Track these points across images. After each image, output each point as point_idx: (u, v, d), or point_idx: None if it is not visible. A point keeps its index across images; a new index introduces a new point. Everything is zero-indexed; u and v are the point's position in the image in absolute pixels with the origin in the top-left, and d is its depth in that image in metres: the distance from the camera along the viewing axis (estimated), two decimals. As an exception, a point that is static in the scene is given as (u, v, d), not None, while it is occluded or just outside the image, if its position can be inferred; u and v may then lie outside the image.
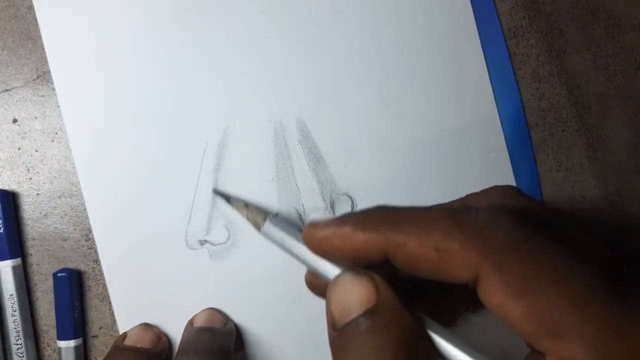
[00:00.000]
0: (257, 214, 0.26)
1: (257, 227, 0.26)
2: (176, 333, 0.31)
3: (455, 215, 0.19)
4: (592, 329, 0.16)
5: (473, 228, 0.18)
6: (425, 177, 0.33)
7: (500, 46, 0.34)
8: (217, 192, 0.31)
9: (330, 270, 0.22)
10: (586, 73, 0.35)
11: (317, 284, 0.24)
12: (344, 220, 0.21)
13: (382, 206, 0.21)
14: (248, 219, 0.27)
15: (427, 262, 0.19)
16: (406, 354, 0.18)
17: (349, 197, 0.33)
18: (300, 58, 0.33)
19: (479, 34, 0.34)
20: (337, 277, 0.21)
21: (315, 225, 0.21)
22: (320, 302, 0.32)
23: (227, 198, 0.30)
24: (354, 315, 0.19)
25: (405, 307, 0.19)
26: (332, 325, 0.20)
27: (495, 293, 0.18)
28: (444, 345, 0.19)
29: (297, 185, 0.33)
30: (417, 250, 0.19)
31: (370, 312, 0.19)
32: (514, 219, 0.19)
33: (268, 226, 0.25)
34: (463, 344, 0.19)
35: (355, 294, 0.19)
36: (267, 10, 0.33)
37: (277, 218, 0.25)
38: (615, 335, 0.16)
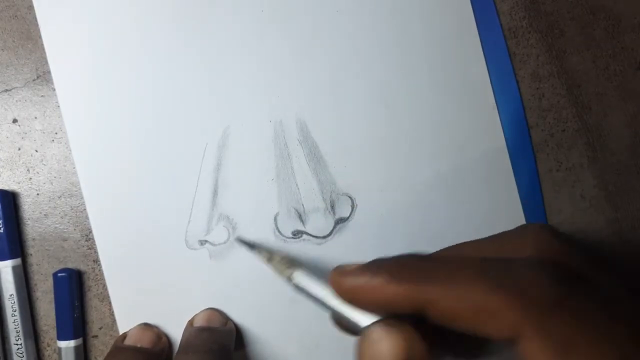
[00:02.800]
0: (283, 265, 0.26)
1: (286, 277, 0.26)
2: (176, 333, 0.31)
3: (494, 271, 0.19)
4: None
5: (514, 287, 0.18)
6: (425, 178, 0.33)
7: (500, 46, 0.34)
8: (241, 241, 0.31)
9: (361, 318, 0.21)
10: (586, 73, 0.35)
11: (346, 324, 0.23)
12: (375, 269, 0.20)
13: (414, 255, 0.21)
14: (275, 270, 0.27)
15: (464, 319, 0.18)
16: None
17: (349, 197, 0.33)
18: (301, 58, 0.33)
19: (479, 34, 0.34)
20: (368, 328, 0.20)
21: (343, 272, 0.21)
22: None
23: (251, 247, 0.31)
24: None
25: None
26: None
27: (536, 354, 0.17)
28: None
29: (297, 185, 0.33)
30: (454, 307, 0.18)
31: None
32: (553, 275, 0.18)
33: (299, 278, 0.25)
34: None
35: (386, 348, 0.19)
36: (267, 10, 0.33)
37: (304, 268, 0.25)
38: None
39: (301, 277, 0.25)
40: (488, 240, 0.23)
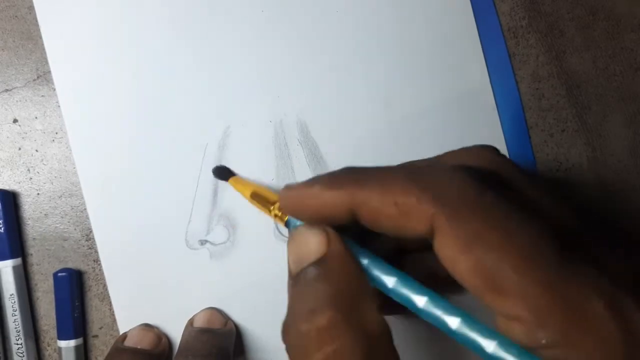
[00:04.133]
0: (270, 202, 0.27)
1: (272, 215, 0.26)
2: (176, 333, 0.31)
3: (414, 172, 0.20)
4: (534, 290, 0.17)
5: (428, 183, 0.19)
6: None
7: (500, 46, 0.34)
8: (218, 169, 0.31)
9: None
10: (586, 73, 0.35)
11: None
12: (313, 181, 0.22)
13: (349, 167, 0.22)
14: (258, 206, 0.27)
15: (388, 217, 0.19)
16: (346, 303, 0.19)
17: (349, 197, 0.33)
18: (301, 58, 0.33)
19: (479, 34, 0.34)
20: (294, 229, 0.22)
21: (289, 187, 0.23)
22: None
23: (227, 176, 0.31)
24: (304, 264, 0.20)
25: (354, 257, 0.20)
26: (289, 274, 0.21)
27: (446, 246, 0.18)
28: (387, 283, 0.20)
29: (297, 185, 0.33)
30: (379, 206, 0.19)
31: (318, 262, 0.20)
32: (470, 177, 0.19)
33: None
34: (411, 282, 0.20)
35: (308, 244, 0.20)
36: (267, 10, 0.33)
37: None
38: (555, 298, 0.16)
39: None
40: (432, 157, 0.24)
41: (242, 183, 0.30)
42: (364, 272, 0.20)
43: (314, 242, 0.20)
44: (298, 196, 0.22)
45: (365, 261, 0.21)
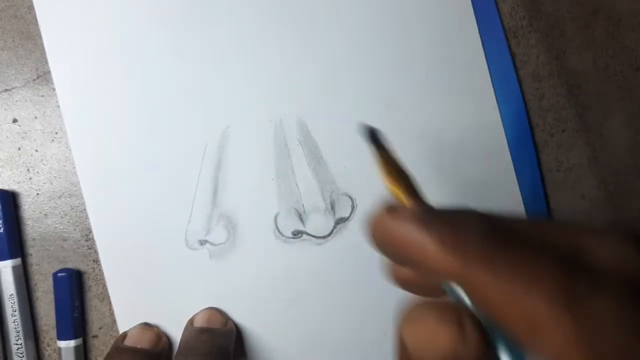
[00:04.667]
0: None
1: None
2: (176, 333, 0.31)
3: (571, 283, 0.14)
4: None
5: (590, 319, 0.14)
6: (426, 178, 0.33)
7: (502, 46, 0.34)
8: (367, 131, 0.24)
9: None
10: (586, 73, 0.35)
11: (404, 277, 0.19)
12: (430, 222, 0.16)
13: (490, 219, 0.16)
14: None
15: (507, 321, 0.15)
16: None
17: (349, 197, 0.33)
18: (300, 57, 0.33)
19: (480, 34, 0.34)
20: (417, 309, 0.16)
21: (396, 213, 0.17)
22: (320, 302, 0.32)
23: (377, 143, 0.24)
24: (429, 356, 0.15)
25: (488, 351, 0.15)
26: (402, 353, 0.16)
27: None
28: None
29: (297, 185, 0.33)
30: (503, 309, 0.14)
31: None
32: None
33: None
34: None
35: (435, 336, 0.15)
36: (267, 10, 0.33)
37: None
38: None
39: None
40: (568, 227, 0.17)
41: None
42: None
43: (444, 337, 0.15)
44: (403, 239, 0.16)
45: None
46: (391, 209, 0.17)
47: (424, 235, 0.16)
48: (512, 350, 0.15)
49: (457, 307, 0.16)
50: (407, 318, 0.16)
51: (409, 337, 0.16)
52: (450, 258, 0.15)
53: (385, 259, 0.19)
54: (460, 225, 0.16)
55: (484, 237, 0.15)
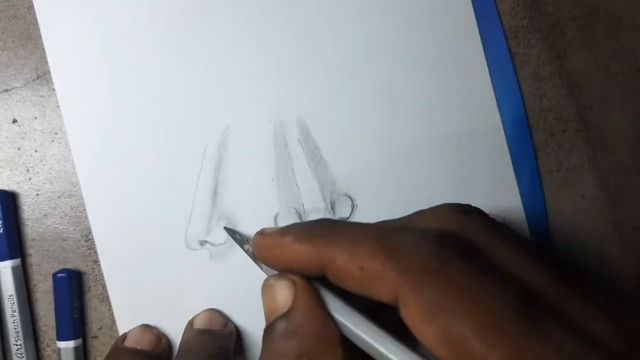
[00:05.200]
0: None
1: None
2: (176, 333, 0.31)
3: (384, 235, 0.20)
4: (500, 353, 0.16)
5: (394, 250, 0.19)
6: (426, 178, 0.33)
7: (502, 46, 0.34)
8: (229, 230, 0.31)
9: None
10: (587, 73, 0.35)
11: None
12: (286, 230, 0.22)
13: (325, 220, 0.22)
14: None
15: (353, 279, 0.19)
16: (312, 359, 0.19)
17: (349, 197, 0.33)
18: (301, 57, 0.33)
19: (480, 34, 0.34)
20: (265, 280, 0.22)
21: (262, 233, 0.23)
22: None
23: (239, 240, 0.29)
24: (274, 317, 0.21)
25: (323, 309, 0.20)
26: (266, 321, 0.21)
27: (411, 315, 0.18)
28: (364, 340, 0.19)
29: (297, 185, 0.32)
30: (345, 267, 0.19)
31: (285, 315, 0.20)
32: (435, 244, 0.19)
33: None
34: (380, 334, 0.19)
35: (276, 296, 0.21)
36: (267, 10, 0.33)
37: None
38: (522, 358, 0.16)
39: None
40: (403, 217, 0.23)
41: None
42: (334, 324, 0.20)
43: (281, 295, 0.21)
44: (269, 245, 0.22)
45: (337, 314, 0.20)
46: (261, 233, 0.23)
47: (286, 238, 0.21)
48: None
49: (291, 276, 0.21)
50: (261, 290, 0.22)
51: (263, 303, 0.22)
52: (303, 246, 0.21)
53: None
54: (307, 225, 0.22)
55: (326, 227, 0.21)
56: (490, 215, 0.23)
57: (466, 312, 0.17)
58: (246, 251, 0.27)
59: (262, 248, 0.23)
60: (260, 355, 0.21)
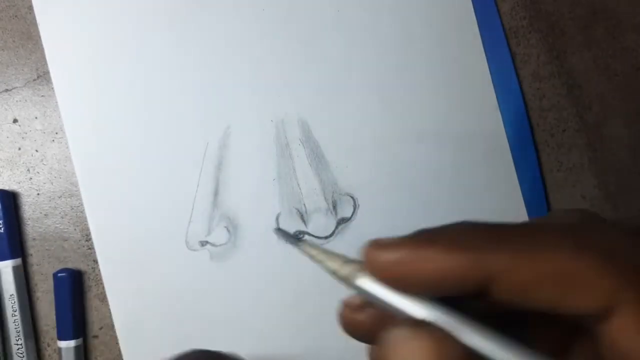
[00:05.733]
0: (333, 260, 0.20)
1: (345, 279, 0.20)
2: (176, 333, 0.31)
3: (573, 230, 0.16)
4: None
5: (609, 250, 0.15)
6: (427, 178, 0.33)
7: (502, 46, 0.34)
8: (282, 233, 0.26)
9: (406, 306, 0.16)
10: (587, 73, 0.35)
11: (358, 323, 0.19)
12: (425, 239, 0.16)
13: (467, 222, 0.16)
14: (330, 271, 0.21)
15: (543, 290, 0.15)
16: None
17: (351, 197, 0.33)
18: (302, 57, 0.33)
19: (481, 34, 0.34)
20: (390, 333, 0.15)
21: (380, 244, 0.17)
22: (320, 304, 0.32)
23: (296, 240, 0.24)
24: None
25: None
26: None
27: (631, 333, 0.14)
28: None
29: (298, 185, 0.32)
30: (531, 276, 0.15)
31: None
32: (635, 237, 0.15)
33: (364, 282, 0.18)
34: None
35: (419, 354, 0.15)
36: (268, 10, 0.33)
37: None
38: None
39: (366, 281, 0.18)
40: (540, 218, 0.20)
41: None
42: None
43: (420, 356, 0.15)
44: (401, 260, 0.16)
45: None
46: (377, 245, 0.17)
47: (430, 249, 0.16)
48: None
49: (431, 325, 0.15)
50: (383, 343, 0.16)
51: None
52: (464, 259, 0.15)
53: (343, 310, 0.19)
54: (448, 230, 0.16)
55: (481, 231, 0.16)
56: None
57: None
58: (312, 257, 0.21)
59: (387, 264, 0.16)
60: None
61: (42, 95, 0.32)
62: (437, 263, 0.15)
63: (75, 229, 0.32)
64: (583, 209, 0.19)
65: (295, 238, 0.26)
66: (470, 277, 0.15)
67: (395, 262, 0.16)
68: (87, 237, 0.32)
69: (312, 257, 0.21)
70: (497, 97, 0.34)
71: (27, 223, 0.32)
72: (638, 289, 0.14)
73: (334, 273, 0.20)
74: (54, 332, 0.32)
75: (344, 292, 0.33)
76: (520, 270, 0.15)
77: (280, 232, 0.27)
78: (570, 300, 0.15)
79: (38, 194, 0.32)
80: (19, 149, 0.32)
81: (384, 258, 0.16)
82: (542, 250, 0.15)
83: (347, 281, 0.19)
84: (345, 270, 0.19)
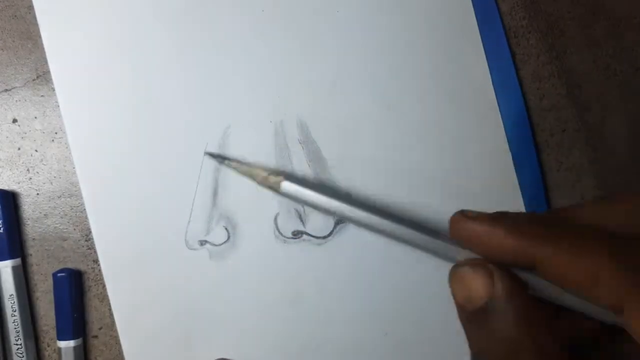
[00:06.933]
0: (267, 175, 0.27)
1: (270, 187, 0.27)
2: (175, 333, 0.31)
3: (616, 245, 0.19)
4: None
5: (626, 260, 0.18)
6: (427, 178, 0.33)
7: (502, 46, 0.34)
8: (212, 155, 0.31)
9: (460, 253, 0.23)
10: (587, 73, 0.35)
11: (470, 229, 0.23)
12: (498, 219, 0.21)
13: (536, 215, 0.21)
14: (258, 181, 0.27)
15: (572, 282, 0.19)
16: (523, 339, 0.19)
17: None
18: (301, 58, 0.33)
19: (481, 34, 0.34)
20: (457, 267, 0.21)
21: (466, 215, 0.21)
22: (319, 304, 0.32)
23: (222, 160, 0.31)
24: (473, 307, 0.20)
25: (521, 294, 0.20)
26: (460, 308, 0.21)
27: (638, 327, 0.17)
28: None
29: (297, 185, 0.32)
30: (566, 271, 0.19)
31: (485, 307, 0.20)
32: None
33: (288, 186, 0.27)
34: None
35: (474, 287, 0.20)
36: (267, 10, 0.33)
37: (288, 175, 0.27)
38: None
39: (289, 185, 0.27)
40: (589, 204, 0.23)
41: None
42: (539, 308, 0.20)
43: (479, 285, 0.20)
44: (478, 232, 0.21)
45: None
46: (464, 214, 0.22)
47: (499, 229, 0.20)
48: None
49: (486, 262, 0.21)
50: (451, 277, 0.21)
51: (455, 292, 0.21)
52: (522, 243, 0.20)
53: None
54: (519, 219, 0.21)
55: (544, 223, 0.20)
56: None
57: None
58: (239, 170, 0.28)
59: (467, 231, 0.21)
60: (468, 336, 0.21)
61: (42, 95, 0.32)
62: (498, 242, 0.20)
63: (74, 229, 0.32)
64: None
65: (222, 158, 0.31)
66: (521, 257, 0.20)
67: (472, 232, 0.21)
68: (87, 237, 0.32)
69: (239, 171, 0.28)
70: (497, 97, 0.34)
71: (27, 223, 0.32)
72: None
73: (263, 181, 0.27)
74: (53, 332, 0.32)
75: (344, 292, 0.33)
76: (559, 264, 0.19)
77: (210, 154, 0.31)
78: (591, 293, 0.18)
79: (38, 194, 0.32)
80: (19, 149, 0.32)
81: (466, 227, 0.21)
82: (577, 250, 0.19)
83: (274, 186, 0.27)
84: (273, 179, 0.27)
